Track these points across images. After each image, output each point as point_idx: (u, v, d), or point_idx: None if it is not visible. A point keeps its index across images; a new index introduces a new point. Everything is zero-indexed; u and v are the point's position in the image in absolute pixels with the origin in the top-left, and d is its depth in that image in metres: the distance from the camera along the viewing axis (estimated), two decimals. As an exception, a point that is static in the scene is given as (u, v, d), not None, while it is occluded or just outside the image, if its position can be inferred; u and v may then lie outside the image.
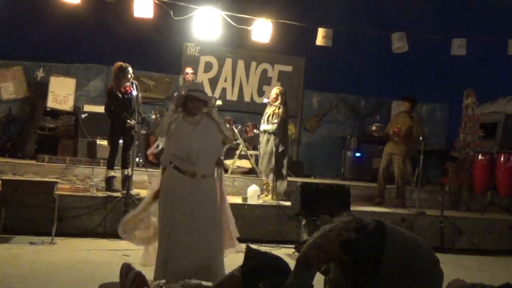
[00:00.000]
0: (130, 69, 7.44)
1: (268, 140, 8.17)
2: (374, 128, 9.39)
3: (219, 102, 9.57)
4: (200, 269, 4.28)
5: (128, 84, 7.47)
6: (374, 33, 10.38)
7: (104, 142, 8.26)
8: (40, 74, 10.60)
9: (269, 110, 8.26)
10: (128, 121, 7.32)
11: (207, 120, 4.46)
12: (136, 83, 7.58)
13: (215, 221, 4.48)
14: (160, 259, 4.44)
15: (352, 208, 7.13)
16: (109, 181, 7.56)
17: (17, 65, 10.46)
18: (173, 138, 4.41)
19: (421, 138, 8.59)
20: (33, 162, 8.63)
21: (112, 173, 7.59)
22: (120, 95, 7.42)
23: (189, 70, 9.64)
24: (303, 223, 6.91)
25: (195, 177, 4.36)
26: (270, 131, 8.09)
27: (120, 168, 7.66)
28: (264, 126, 8.24)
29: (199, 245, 4.32)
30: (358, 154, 11.26)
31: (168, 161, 4.49)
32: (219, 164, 4.63)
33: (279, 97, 8.19)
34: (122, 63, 7.40)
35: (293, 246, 6.81)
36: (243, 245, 4.30)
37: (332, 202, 6.80)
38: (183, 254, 4.31)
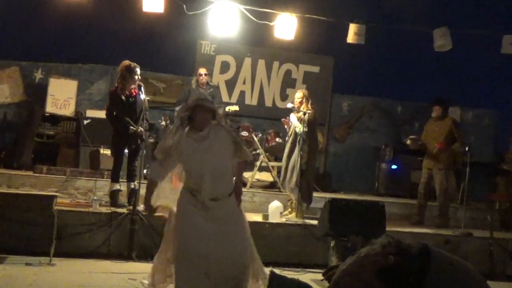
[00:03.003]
0: (138, 70, 7.52)
1: (293, 149, 8.14)
2: (408, 142, 9.26)
3: (235, 108, 9.58)
4: None
5: (133, 86, 7.55)
6: (413, 29, 10.32)
7: (108, 152, 8.34)
8: (38, 75, 10.75)
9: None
10: (131, 127, 7.38)
11: (216, 133, 4.38)
12: (143, 85, 7.65)
13: (239, 250, 4.36)
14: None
15: (388, 228, 7.06)
16: (113, 195, 7.61)
17: (13, 65, 10.62)
18: (183, 158, 4.38)
19: (466, 149, 8.49)
20: (30, 173, 8.73)
21: (117, 187, 7.64)
22: (124, 98, 7.49)
23: (202, 71, 9.68)
24: (331, 245, 6.86)
25: (203, 202, 4.29)
26: (297, 129, 8.05)
27: (125, 181, 7.72)
28: (293, 119, 8.17)
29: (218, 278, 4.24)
30: (394, 167, 11.18)
31: (161, 177, 4.46)
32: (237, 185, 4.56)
33: (304, 100, 8.19)
34: (130, 62, 7.49)
35: (320, 270, 6.81)
36: (266, 270, 4.26)
37: (365, 221, 6.74)
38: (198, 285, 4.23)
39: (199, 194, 4.29)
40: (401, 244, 1.77)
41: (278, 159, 9.21)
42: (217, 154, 4.32)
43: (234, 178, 4.57)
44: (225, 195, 4.37)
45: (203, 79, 9.60)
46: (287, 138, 8.43)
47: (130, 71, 7.48)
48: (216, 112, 4.42)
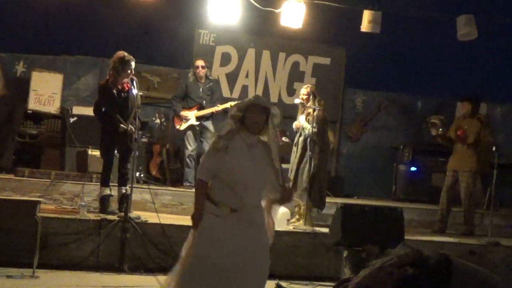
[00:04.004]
0: (133, 63, 7.53)
1: (303, 151, 8.16)
2: (433, 120, 9.19)
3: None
4: None
5: (126, 80, 7.57)
6: (434, 17, 10.31)
7: (97, 153, 8.36)
8: (20, 68, 10.78)
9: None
10: (122, 125, 7.39)
11: (262, 149, 4.54)
12: (136, 79, 7.67)
13: (262, 271, 4.51)
14: None
15: (407, 236, 7.07)
16: (103, 201, 7.62)
17: (-8, 57, 10.65)
18: (225, 158, 4.42)
19: (493, 149, 8.49)
20: (11, 176, 8.76)
21: (107, 192, 7.66)
22: (115, 92, 7.51)
23: (200, 63, 9.67)
24: (344, 255, 6.87)
25: (237, 210, 4.39)
26: (307, 131, 8.07)
27: (116, 185, 7.73)
28: (302, 121, 8.19)
29: None
30: (413, 169, 11.17)
31: (207, 177, 4.51)
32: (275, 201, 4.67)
33: (311, 97, 8.20)
34: (125, 54, 7.50)
35: (331, 283, 6.80)
36: (272, 283, 4.30)
37: (381, 229, 6.75)
38: None
39: (236, 203, 4.39)
40: (420, 254, 1.77)
41: (285, 160, 9.20)
42: (261, 167, 4.48)
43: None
44: (253, 208, 4.49)
45: (201, 72, 9.61)
46: (295, 140, 8.43)
47: (123, 63, 7.49)
48: (271, 114, 4.50)
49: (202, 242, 4.39)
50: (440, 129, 9.00)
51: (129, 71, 7.54)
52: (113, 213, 7.47)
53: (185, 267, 4.43)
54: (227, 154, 4.39)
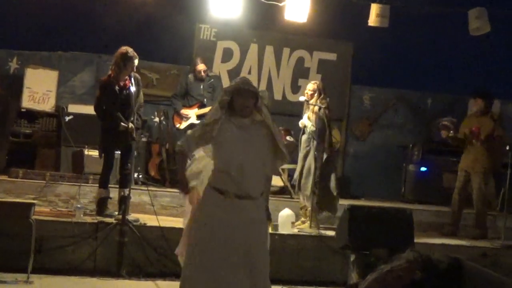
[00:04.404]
0: (136, 61, 7.52)
1: (307, 149, 8.18)
2: (445, 122, 9.21)
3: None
4: None
5: (126, 77, 7.56)
6: (445, 10, 10.29)
7: (94, 153, 8.35)
8: (13, 65, 10.77)
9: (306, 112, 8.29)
10: (123, 124, 7.39)
11: (259, 128, 4.55)
12: (138, 76, 7.66)
13: (262, 264, 4.54)
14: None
15: (416, 239, 7.06)
16: (101, 203, 7.61)
17: (-16, 54, 10.66)
18: (217, 143, 4.51)
19: (507, 148, 8.48)
20: (5, 177, 8.77)
21: (106, 194, 7.65)
22: (117, 89, 7.50)
23: (201, 67, 9.61)
24: (351, 259, 6.87)
25: (237, 197, 4.42)
26: (309, 129, 8.10)
27: (116, 186, 7.72)
28: (305, 119, 8.22)
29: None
30: (423, 169, 11.16)
31: (191, 149, 4.71)
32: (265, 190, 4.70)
33: (316, 93, 8.21)
34: (128, 50, 7.47)
35: (338, 289, 6.81)
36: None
37: (390, 231, 6.74)
38: None
39: (235, 188, 4.42)
40: (430, 258, 1.77)
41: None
42: (257, 148, 4.50)
43: None
44: (256, 195, 4.50)
45: (203, 75, 9.62)
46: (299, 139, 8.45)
47: (125, 59, 7.46)
48: (259, 97, 4.54)
49: (205, 240, 4.43)
50: (451, 132, 9.01)
51: (130, 69, 7.52)
52: (110, 216, 7.46)
53: (187, 267, 4.50)
54: (220, 139, 4.46)
